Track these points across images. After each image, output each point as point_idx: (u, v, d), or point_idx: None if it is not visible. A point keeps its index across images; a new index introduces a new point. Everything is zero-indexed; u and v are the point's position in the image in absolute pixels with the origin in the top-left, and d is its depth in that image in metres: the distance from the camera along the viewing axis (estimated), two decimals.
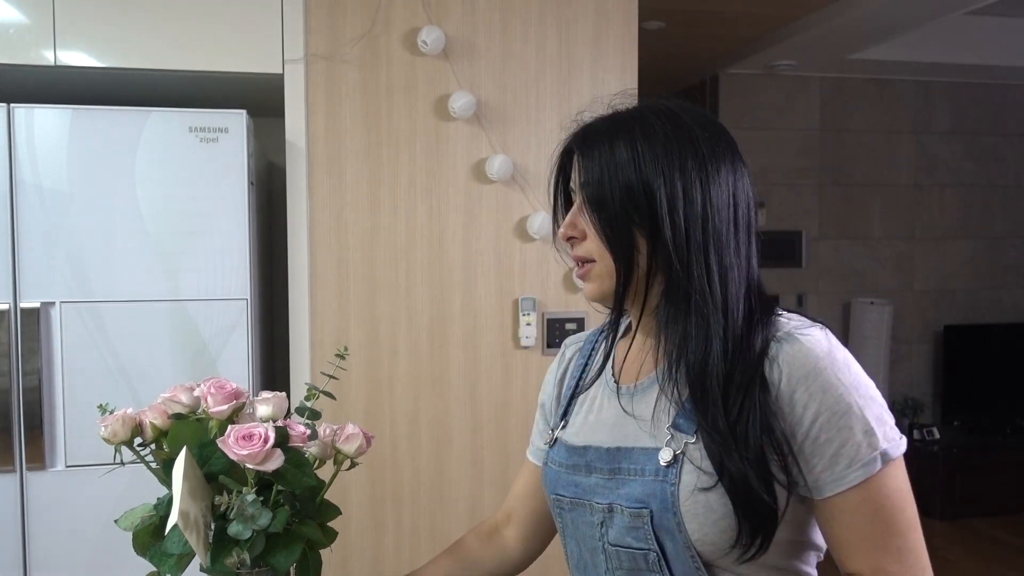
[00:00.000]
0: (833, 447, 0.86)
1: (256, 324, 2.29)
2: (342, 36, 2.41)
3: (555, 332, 2.53)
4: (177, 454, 0.91)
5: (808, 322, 0.93)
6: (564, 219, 1.00)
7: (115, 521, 1.01)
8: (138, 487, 2.28)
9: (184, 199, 2.19)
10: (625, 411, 0.98)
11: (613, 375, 1.04)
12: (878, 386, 0.91)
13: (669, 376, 0.92)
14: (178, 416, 0.99)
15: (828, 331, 0.92)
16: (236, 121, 2.21)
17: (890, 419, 0.89)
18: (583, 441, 1.01)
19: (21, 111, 2.09)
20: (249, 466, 0.89)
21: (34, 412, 2.11)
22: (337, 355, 1.06)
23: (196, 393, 1.00)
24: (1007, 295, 5.35)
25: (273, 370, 2.69)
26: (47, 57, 2.22)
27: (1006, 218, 5.33)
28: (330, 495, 1.01)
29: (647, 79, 2.67)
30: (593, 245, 0.96)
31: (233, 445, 0.89)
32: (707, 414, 0.88)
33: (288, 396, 2.45)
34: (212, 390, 0.97)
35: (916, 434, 4.82)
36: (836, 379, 0.87)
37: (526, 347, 2.53)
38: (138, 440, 1.03)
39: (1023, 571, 3.98)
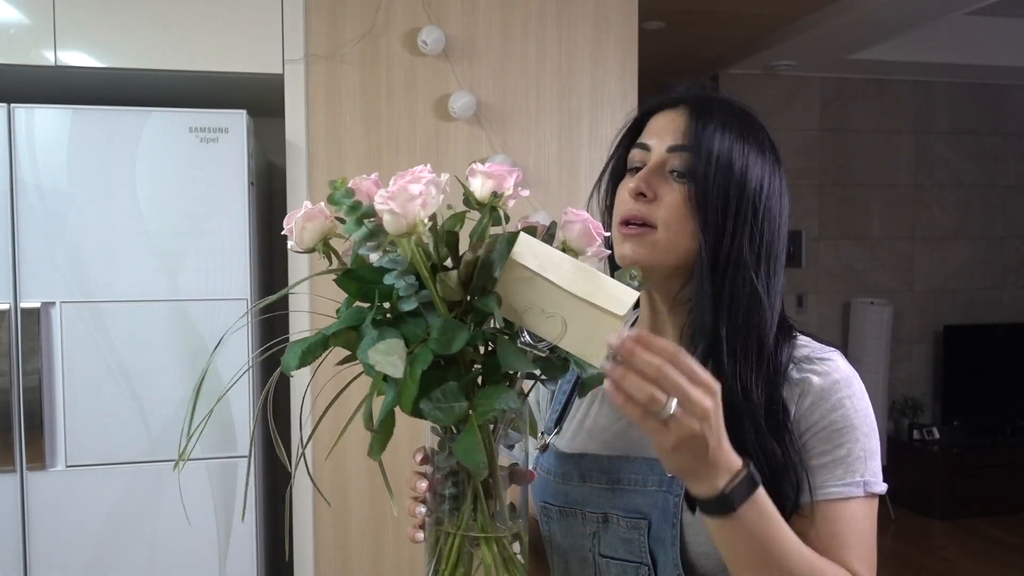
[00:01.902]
0: (824, 459, 0.87)
1: (256, 324, 2.29)
2: (342, 36, 2.41)
3: None
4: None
5: (826, 347, 0.93)
6: (635, 175, 0.92)
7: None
8: (138, 487, 2.29)
9: (184, 199, 2.19)
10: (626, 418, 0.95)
11: None
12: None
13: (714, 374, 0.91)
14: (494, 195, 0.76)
15: (844, 357, 0.93)
16: (236, 121, 2.21)
17: (879, 461, 0.90)
18: (577, 449, 0.98)
19: (21, 111, 2.09)
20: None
21: (34, 412, 2.11)
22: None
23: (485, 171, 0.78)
24: (1007, 295, 5.35)
25: (273, 370, 2.69)
26: (47, 57, 2.22)
27: (1006, 218, 5.33)
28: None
29: (647, 79, 2.67)
30: (663, 212, 0.89)
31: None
32: (739, 416, 0.85)
33: (287, 398, 2.45)
34: (501, 166, 0.79)
35: (916, 434, 4.82)
36: (849, 403, 0.88)
37: None
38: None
39: (1023, 571, 3.98)
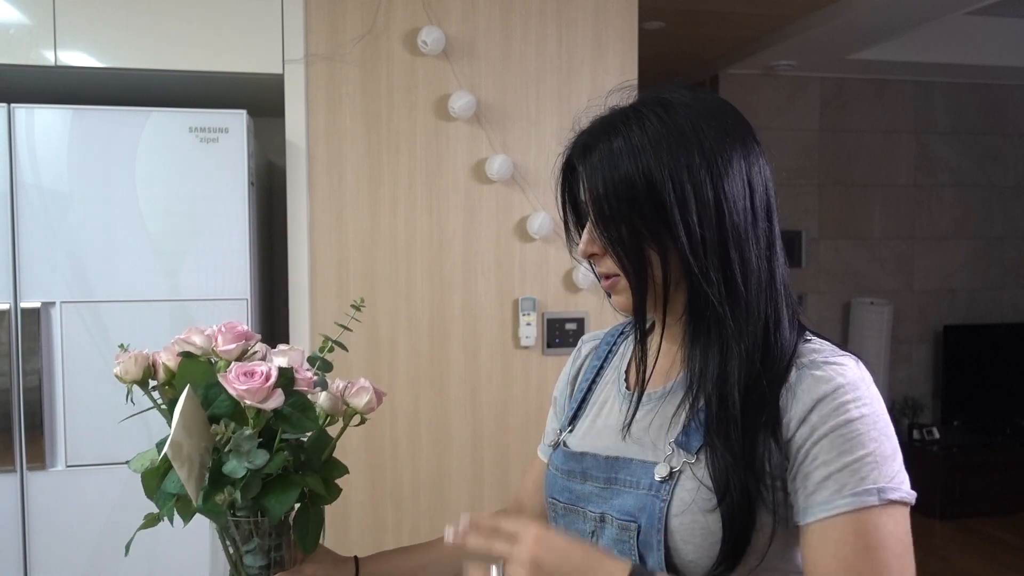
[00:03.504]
0: (829, 469, 0.81)
1: (256, 324, 2.29)
2: (342, 36, 2.41)
3: (555, 332, 2.53)
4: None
5: (839, 351, 0.88)
6: (580, 233, 0.95)
7: (127, 463, 1.00)
8: (138, 487, 2.27)
9: (184, 199, 2.19)
10: (631, 419, 0.95)
11: (626, 381, 1.01)
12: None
13: (691, 387, 0.89)
14: (186, 355, 0.99)
15: (861, 363, 0.87)
16: (236, 121, 2.21)
17: (899, 464, 0.83)
18: (583, 447, 0.99)
19: (21, 111, 2.09)
20: (248, 402, 0.88)
21: (34, 412, 2.11)
22: (353, 306, 1.05)
23: (208, 333, 0.99)
24: (1007, 295, 5.35)
25: None
26: (47, 57, 2.22)
27: (1006, 218, 5.33)
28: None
29: (647, 79, 2.66)
30: (612, 261, 0.91)
31: (234, 380, 0.88)
32: (723, 429, 0.84)
33: None
34: (223, 329, 0.97)
35: (916, 434, 4.82)
36: (855, 408, 0.82)
37: (526, 347, 2.53)
38: (152, 384, 1.04)
39: (1023, 571, 3.98)
